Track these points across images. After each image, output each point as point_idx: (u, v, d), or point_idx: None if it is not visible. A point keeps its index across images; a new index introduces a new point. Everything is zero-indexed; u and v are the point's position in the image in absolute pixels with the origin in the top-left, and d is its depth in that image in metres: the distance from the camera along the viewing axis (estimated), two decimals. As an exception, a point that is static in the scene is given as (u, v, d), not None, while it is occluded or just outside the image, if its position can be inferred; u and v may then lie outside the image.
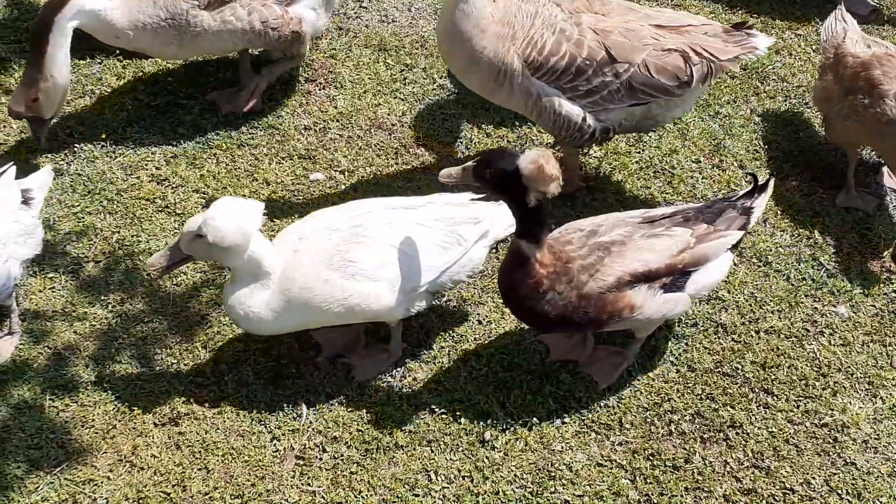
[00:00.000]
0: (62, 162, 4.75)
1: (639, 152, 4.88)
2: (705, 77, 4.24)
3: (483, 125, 4.99)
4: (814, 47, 5.44)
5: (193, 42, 4.59)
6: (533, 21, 4.18)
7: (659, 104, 4.29)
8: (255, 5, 4.54)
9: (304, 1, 4.63)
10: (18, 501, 3.64)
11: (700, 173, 4.79)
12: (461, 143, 4.92)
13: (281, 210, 4.59)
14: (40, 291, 4.25)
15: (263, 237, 3.73)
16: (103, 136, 4.86)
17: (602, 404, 3.95)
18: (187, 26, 4.53)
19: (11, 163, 4.15)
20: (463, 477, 3.75)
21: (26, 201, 4.02)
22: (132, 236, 4.46)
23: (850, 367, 4.08)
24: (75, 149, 4.81)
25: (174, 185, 4.67)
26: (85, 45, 4.97)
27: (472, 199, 3.98)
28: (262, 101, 4.96)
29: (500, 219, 3.94)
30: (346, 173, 4.76)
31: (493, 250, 4.39)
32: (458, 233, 3.87)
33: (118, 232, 4.48)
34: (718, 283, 4.00)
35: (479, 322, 4.21)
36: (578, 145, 4.37)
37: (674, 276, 3.76)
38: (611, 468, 3.78)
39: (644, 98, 4.23)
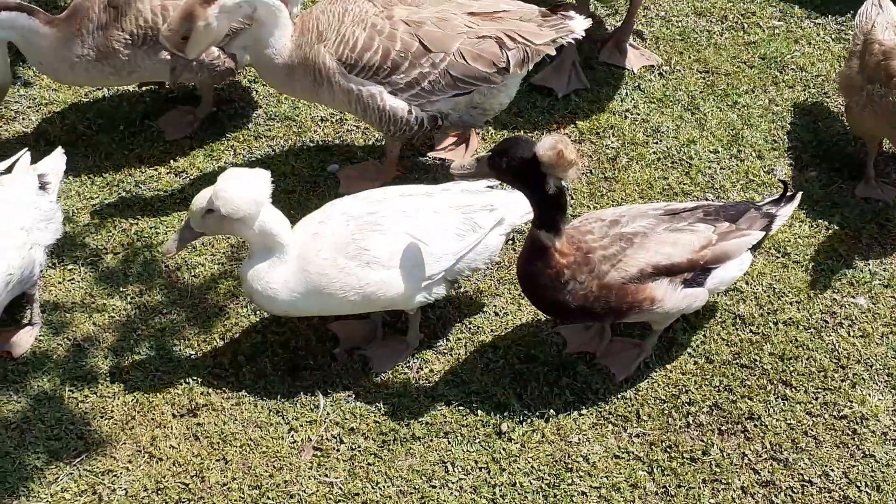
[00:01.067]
0: (80, 154, 4.77)
1: (656, 142, 4.86)
2: (522, 62, 4.24)
3: (499, 115, 4.96)
4: (833, 37, 5.40)
5: (126, 73, 4.52)
6: (342, 20, 4.19)
7: (481, 92, 4.28)
8: None
9: (237, 42, 4.38)
10: (38, 492, 3.67)
11: (718, 164, 4.77)
12: (476, 131, 4.90)
13: (298, 202, 4.60)
14: (59, 283, 4.28)
15: (273, 208, 3.71)
16: (121, 128, 4.88)
17: (619, 396, 3.95)
18: (121, 64, 4.47)
19: (26, 149, 4.18)
20: (480, 468, 3.76)
21: (43, 186, 4.03)
22: (150, 228, 4.48)
23: (869, 358, 4.06)
24: (93, 141, 4.83)
25: (192, 178, 4.68)
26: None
27: (488, 187, 3.98)
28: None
29: (515, 206, 3.94)
30: (363, 165, 4.77)
31: (510, 241, 4.38)
32: (474, 220, 3.86)
33: (136, 224, 4.50)
34: (737, 279, 3.99)
35: (496, 314, 4.21)
36: (409, 137, 4.37)
37: (695, 272, 3.76)
38: (628, 460, 3.78)
39: (465, 87, 4.23)
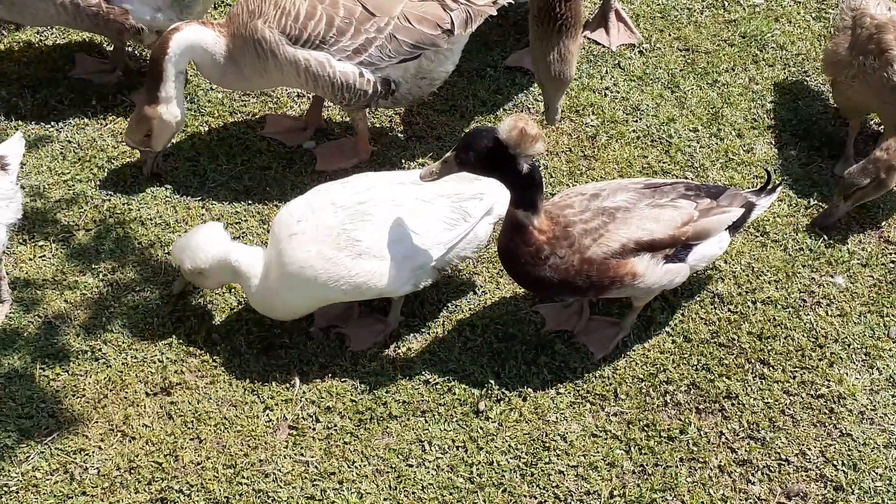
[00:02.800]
0: (52, 129, 4.69)
1: (636, 121, 4.82)
2: (466, 23, 4.25)
3: (479, 93, 4.93)
4: (813, 15, 5.37)
5: (16, 9, 4.50)
6: None
7: (428, 58, 4.27)
8: None
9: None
10: (9, 471, 3.61)
11: (698, 142, 4.75)
12: (456, 111, 4.86)
13: (274, 179, 4.54)
14: (30, 259, 4.21)
15: (233, 244, 3.86)
16: (94, 102, 4.80)
17: (597, 375, 3.93)
18: None
19: None
20: (457, 447, 3.73)
21: (3, 167, 3.97)
22: (123, 204, 4.41)
23: (846, 337, 4.06)
24: (65, 116, 4.75)
25: (166, 153, 4.61)
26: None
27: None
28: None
29: (503, 195, 3.89)
30: (340, 141, 4.71)
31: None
32: (465, 209, 3.83)
33: (109, 200, 4.43)
34: (718, 256, 3.98)
35: (474, 292, 4.17)
36: (366, 104, 4.33)
37: (676, 248, 3.74)
38: (605, 439, 3.76)
39: (412, 51, 4.21)
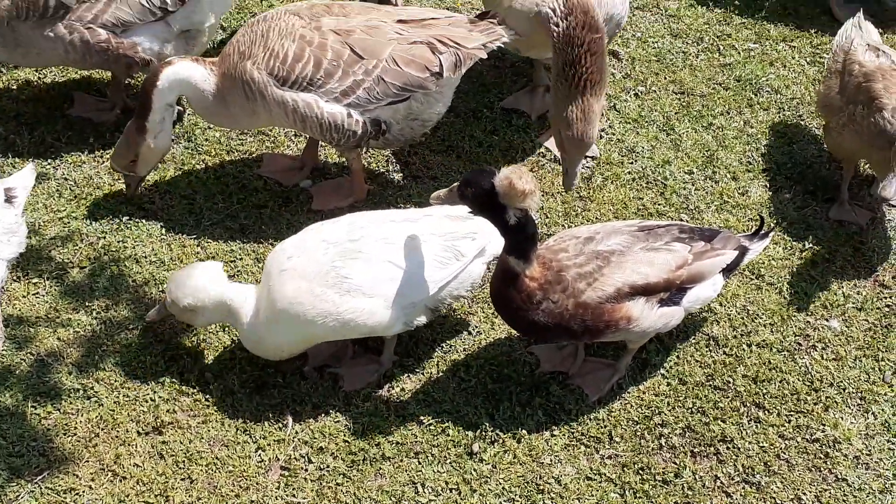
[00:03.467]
0: (49, 166, 4.70)
1: (631, 162, 4.84)
2: (455, 66, 4.25)
3: (475, 134, 4.95)
4: (808, 60, 5.41)
5: (19, 51, 4.55)
6: (267, 35, 4.20)
7: (418, 100, 4.28)
8: (78, 26, 4.46)
9: (144, 30, 4.53)
10: (-2, 510, 3.58)
11: (693, 185, 4.76)
12: (453, 152, 4.88)
13: (270, 217, 4.54)
14: (24, 297, 4.20)
15: (228, 284, 3.85)
16: (91, 140, 4.81)
17: (592, 417, 3.91)
18: (10, 34, 4.49)
19: None
20: (450, 489, 3.70)
21: (9, 199, 3.97)
22: (118, 242, 4.41)
23: (842, 381, 4.04)
24: (62, 153, 4.76)
25: (162, 191, 4.62)
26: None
27: (470, 212, 3.94)
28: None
29: (497, 235, 3.90)
30: (336, 181, 4.72)
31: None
32: (457, 248, 3.83)
33: (104, 237, 4.43)
34: (713, 298, 3.98)
35: (469, 332, 4.16)
36: (356, 145, 4.34)
37: (671, 291, 3.74)
38: (600, 482, 3.74)
39: (401, 93, 4.22)
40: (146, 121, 4.28)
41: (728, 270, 3.93)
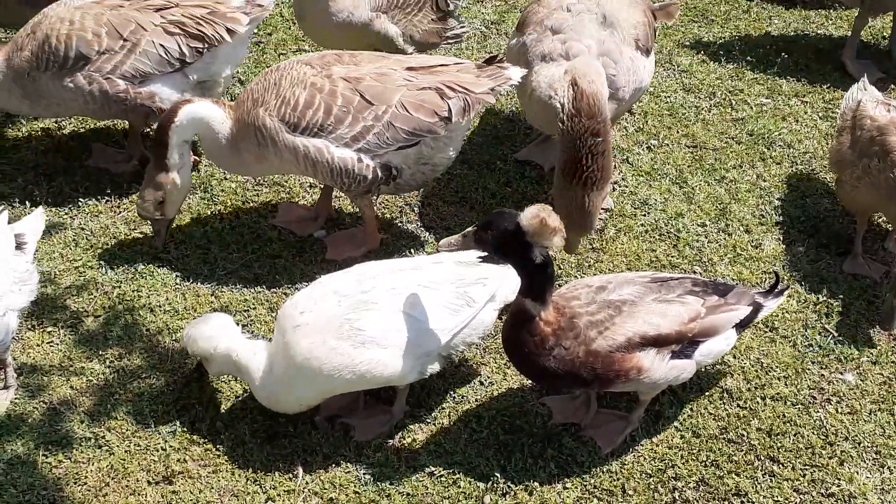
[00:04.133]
0: (66, 216, 4.74)
1: (644, 215, 4.85)
2: (464, 111, 4.29)
3: (489, 185, 4.98)
4: (820, 115, 5.44)
5: (42, 103, 4.64)
6: (279, 83, 4.27)
7: (428, 145, 4.32)
8: (97, 77, 4.54)
9: (162, 80, 4.63)
10: (7, 559, 3.57)
11: (706, 237, 4.76)
12: (466, 203, 4.90)
13: (284, 268, 4.56)
14: (38, 345, 4.22)
15: (235, 338, 3.87)
16: (108, 191, 4.86)
17: (605, 469, 3.88)
18: (31, 86, 4.58)
19: (3, 207, 4.14)
20: (461, 542, 3.67)
21: (19, 246, 3.98)
22: (133, 291, 4.43)
23: (857, 435, 4.00)
24: (79, 203, 4.81)
25: (177, 241, 4.65)
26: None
27: (480, 258, 3.95)
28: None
29: (508, 280, 3.90)
30: (350, 232, 4.75)
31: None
32: (468, 294, 3.83)
33: (119, 286, 4.45)
34: (725, 353, 3.96)
35: (481, 383, 4.15)
36: (367, 190, 4.36)
37: (682, 344, 3.73)
38: (613, 536, 3.70)
39: (410, 139, 4.26)
40: (166, 159, 4.33)
41: (741, 326, 3.91)
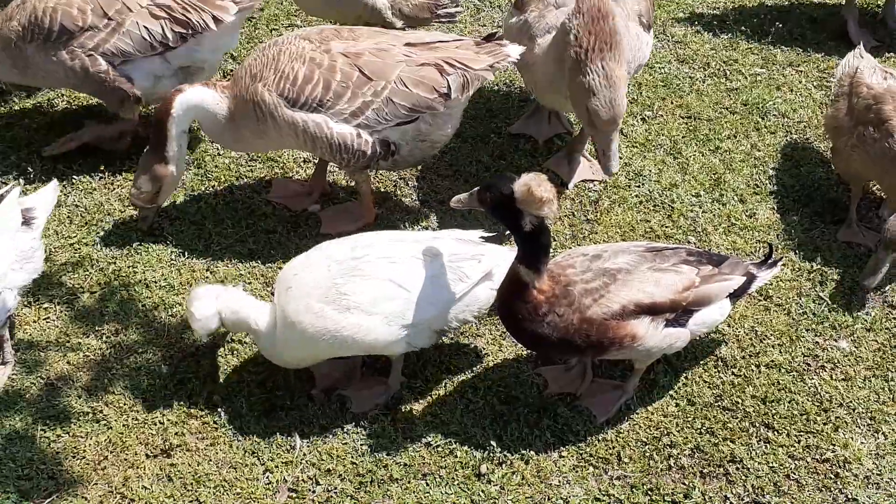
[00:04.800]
0: (60, 194, 4.72)
1: (638, 186, 4.86)
2: (463, 87, 4.28)
3: (482, 159, 4.98)
4: (815, 84, 5.44)
5: (29, 72, 4.66)
6: (278, 58, 4.25)
7: (426, 121, 4.31)
8: (79, 52, 4.52)
9: (142, 64, 4.60)
10: (6, 533, 3.59)
11: (700, 207, 4.77)
12: (460, 176, 4.90)
13: (279, 242, 4.57)
14: (34, 322, 4.23)
15: (237, 298, 3.87)
16: (102, 167, 4.86)
17: (600, 438, 3.90)
18: (19, 56, 4.59)
19: (14, 183, 4.14)
20: (458, 511, 3.69)
21: (27, 222, 3.98)
22: (128, 267, 4.44)
23: (851, 402, 4.02)
24: (73, 180, 4.81)
25: (172, 217, 4.66)
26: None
27: (482, 237, 3.95)
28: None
29: (506, 261, 3.90)
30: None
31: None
32: (462, 269, 3.83)
33: (114, 263, 4.46)
34: (719, 322, 3.97)
35: (477, 354, 4.16)
36: (365, 165, 4.37)
37: (677, 313, 3.74)
38: (609, 503, 3.72)
39: (409, 115, 4.25)
40: (165, 151, 4.32)
41: (735, 296, 3.92)
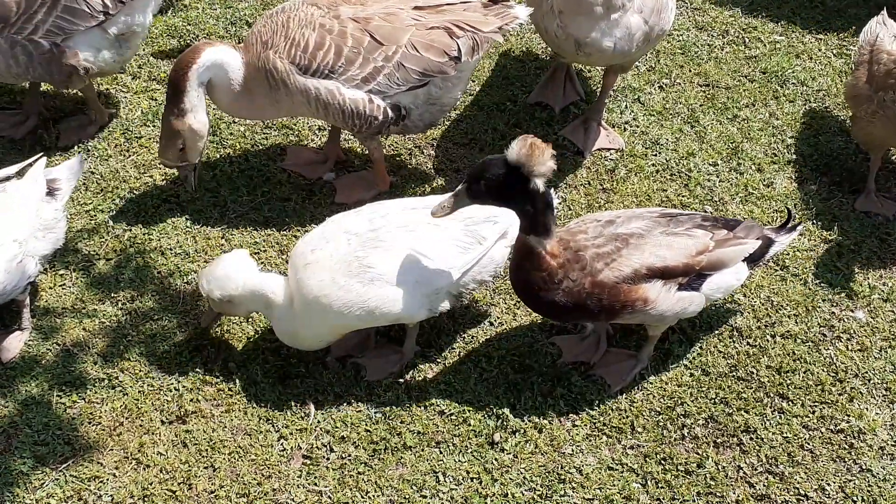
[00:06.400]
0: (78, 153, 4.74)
1: (655, 154, 4.82)
2: (473, 50, 4.26)
3: (498, 127, 4.95)
4: (834, 52, 5.37)
5: None
6: (288, 25, 4.22)
7: (437, 85, 4.29)
8: (19, 39, 4.36)
9: (83, 38, 4.45)
10: (24, 497, 3.62)
11: (717, 176, 4.73)
12: (475, 145, 4.88)
13: (294, 210, 4.57)
14: (51, 288, 4.25)
15: (255, 272, 3.84)
16: (117, 134, 4.86)
17: (614, 407, 3.90)
18: None
19: (42, 154, 4.15)
20: (471, 479, 3.70)
21: (52, 192, 3.99)
22: (144, 234, 4.45)
23: (867, 372, 4.01)
24: (89, 147, 4.81)
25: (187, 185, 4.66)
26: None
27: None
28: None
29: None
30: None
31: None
32: (478, 232, 3.83)
33: (130, 230, 4.47)
34: (734, 288, 3.95)
35: (491, 323, 4.16)
36: (377, 131, 4.35)
37: (690, 277, 3.72)
38: (622, 472, 3.72)
39: (421, 79, 4.23)
40: (182, 104, 4.24)
41: (753, 261, 3.89)
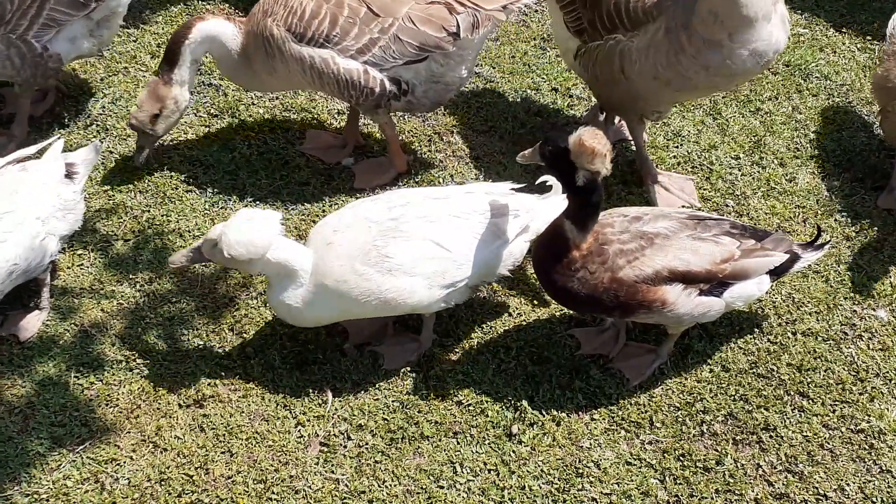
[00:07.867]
0: (95, 140, 4.71)
1: (677, 147, 4.79)
2: (473, 27, 4.20)
3: (519, 115, 4.92)
4: (858, 46, 5.33)
5: None
6: None
7: (437, 61, 4.25)
8: (13, 39, 4.31)
9: (69, 30, 4.43)
10: (40, 478, 3.61)
11: (739, 170, 4.70)
12: (495, 132, 4.85)
13: (312, 194, 4.54)
14: (69, 268, 4.23)
15: (286, 239, 3.71)
16: (136, 114, 4.83)
17: (632, 402, 3.88)
18: None
19: (59, 136, 4.13)
20: (489, 470, 3.69)
21: (70, 175, 4.00)
22: (162, 215, 4.43)
23: (888, 372, 3.99)
24: (108, 126, 4.78)
25: (206, 166, 4.63)
26: (121, 22, 4.91)
27: (513, 189, 3.91)
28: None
29: (540, 213, 3.86)
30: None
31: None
32: (499, 226, 3.80)
33: (148, 211, 4.45)
34: (755, 298, 3.91)
35: (510, 314, 4.14)
36: (377, 104, 4.31)
37: (712, 284, 3.69)
38: (640, 467, 3.71)
39: (417, 53, 4.19)
40: (172, 73, 4.33)
41: (777, 274, 3.85)
